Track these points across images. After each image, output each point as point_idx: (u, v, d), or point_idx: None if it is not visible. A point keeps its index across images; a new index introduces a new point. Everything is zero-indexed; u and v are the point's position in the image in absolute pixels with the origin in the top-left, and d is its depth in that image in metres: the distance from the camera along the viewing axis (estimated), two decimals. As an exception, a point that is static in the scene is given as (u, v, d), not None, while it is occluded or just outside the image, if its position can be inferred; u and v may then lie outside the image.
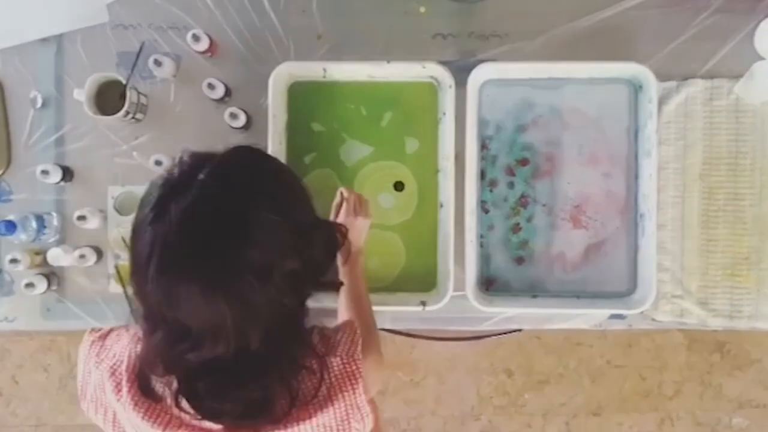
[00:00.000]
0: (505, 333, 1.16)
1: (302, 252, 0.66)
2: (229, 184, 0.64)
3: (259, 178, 0.67)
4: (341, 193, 0.99)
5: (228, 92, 1.09)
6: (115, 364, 0.72)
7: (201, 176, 0.63)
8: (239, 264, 0.60)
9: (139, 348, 0.70)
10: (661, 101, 1.08)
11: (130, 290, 1.09)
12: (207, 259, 0.60)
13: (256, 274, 0.61)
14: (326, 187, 1.09)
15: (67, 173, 1.10)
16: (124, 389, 0.69)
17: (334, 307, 1.05)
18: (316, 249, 0.70)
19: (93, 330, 0.79)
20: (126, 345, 0.73)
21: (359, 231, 0.97)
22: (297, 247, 0.65)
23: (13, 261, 1.05)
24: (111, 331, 0.78)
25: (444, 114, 1.06)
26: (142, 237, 0.62)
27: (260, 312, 0.62)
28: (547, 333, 1.88)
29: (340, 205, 0.99)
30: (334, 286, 0.88)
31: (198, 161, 0.65)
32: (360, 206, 0.98)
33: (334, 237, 0.76)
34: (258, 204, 0.63)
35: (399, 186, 1.10)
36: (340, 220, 0.97)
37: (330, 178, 1.09)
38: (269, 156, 0.76)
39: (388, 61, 1.05)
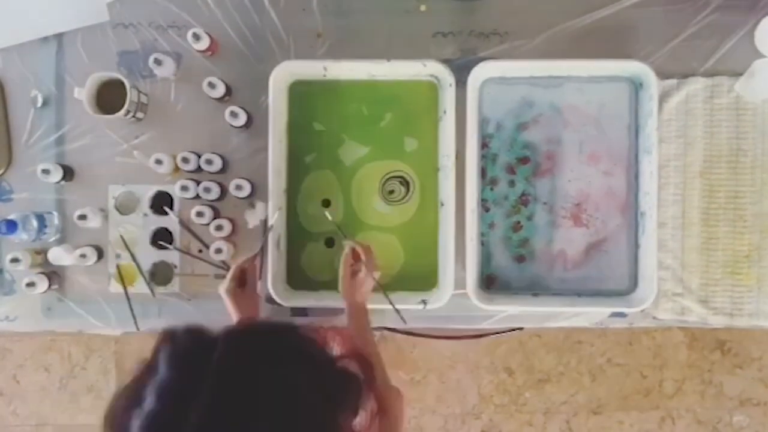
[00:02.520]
0: (505, 331, 1.16)
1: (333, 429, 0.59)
2: (234, 399, 0.52)
3: (264, 381, 0.55)
4: (351, 248, 0.99)
5: (228, 91, 1.09)
6: None
7: (194, 417, 0.51)
8: None
9: None
10: (662, 99, 1.08)
11: (130, 290, 1.10)
12: None
13: None
14: (325, 188, 1.09)
15: (68, 172, 1.10)
16: None
17: (335, 306, 1.06)
18: (342, 416, 0.62)
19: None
20: None
21: (370, 286, 0.99)
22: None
23: (14, 260, 1.05)
24: None
25: (444, 112, 1.06)
26: None
27: None
28: (548, 331, 1.88)
29: (350, 258, 0.99)
30: None
31: (188, 364, 0.55)
32: (372, 262, 0.98)
33: (360, 390, 0.68)
34: (270, 414, 0.54)
35: (398, 191, 1.10)
36: (359, 280, 0.97)
37: (329, 178, 1.09)
38: (271, 342, 0.61)
39: (389, 60, 1.05)
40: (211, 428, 0.51)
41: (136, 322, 1.10)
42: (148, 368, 0.56)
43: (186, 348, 0.57)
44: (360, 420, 0.73)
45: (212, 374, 0.53)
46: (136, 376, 0.56)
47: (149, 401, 0.53)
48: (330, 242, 1.09)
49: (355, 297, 0.99)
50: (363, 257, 0.98)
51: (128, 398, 0.55)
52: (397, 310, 1.01)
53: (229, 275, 0.97)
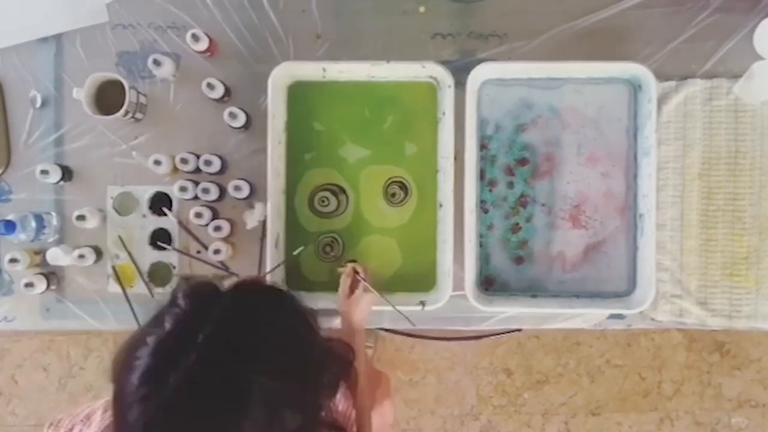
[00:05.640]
0: (504, 333, 1.16)
1: (306, 403, 0.63)
2: (230, 346, 0.59)
3: (263, 335, 0.62)
4: (353, 269, 0.98)
5: (227, 92, 1.09)
6: None
7: (200, 337, 0.58)
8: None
9: None
10: (661, 101, 1.08)
11: (129, 290, 1.10)
12: (205, 429, 0.57)
13: None
14: (326, 185, 1.09)
15: (67, 173, 1.10)
16: None
17: (330, 308, 1.06)
18: (323, 391, 0.67)
19: (51, 425, 0.77)
20: None
21: (367, 305, 0.96)
22: (300, 402, 0.62)
23: (13, 261, 1.05)
24: (72, 428, 0.75)
25: (443, 114, 1.06)
26: (133, 407, 0.56)
27: None
28: (547, 332, 1.88)
29: (349, 277, 0.97)
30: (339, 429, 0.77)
31: (194, 314, 0.60)
32: (369, 279, 0.97)
33: (342, 369, 0.73)
34: (260, 369, 0.58)
35: (398, 195, 1.09)
36: (355, 297, 0.96)
37: (331, 175, 1.09)
38: (272, 296, 0.69)
39: (388, 61, 1.05)
40: (213, 352, 0.58)
41: (138, 321, 1.09)
42: (168, 303, 0.63)
43: (200, 289, 0.64)
44: (339, 397, 0.77)
45: (221, 310, 0.61)
46: (156, 312, 0.63)
47: (166, 326, 0.60)
48: (328, 247, 1.09)
49: (353, 315, 0.96)
50: (362, 274, 0.97)
51: (148, 325, 0.62)
52: (404, 314, 0.99)
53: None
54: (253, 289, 0.69)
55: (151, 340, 0.59)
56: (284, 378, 0.60)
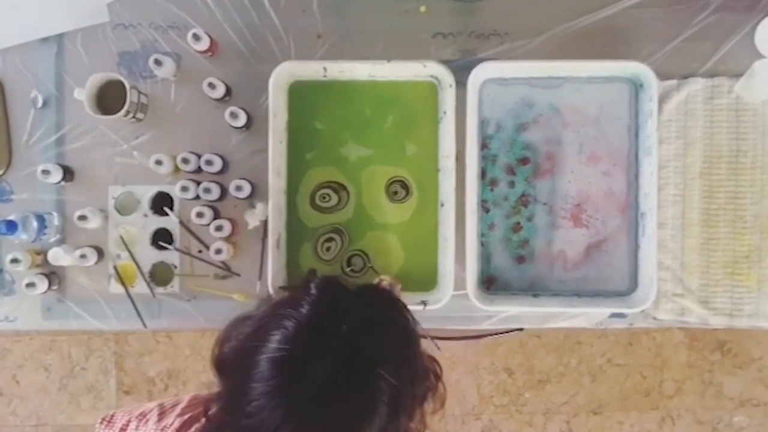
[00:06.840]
0: (505, 332, 1.16)
1: (413, 410, 0.65)
2: (372, 343, 0.61)
3: (393, 336, 0.64)
4: (383, 281, 0.98)
5: (228, 92, 1.09)
6: None
7: (345, 329, 0.59)
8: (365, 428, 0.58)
9: None
10: (662, 100, 1.08)
11: (131, 290, 1.10)
12: (340, 423, 0.58)
13: None
14: (327, 182, 1.09)
15: (68, 173, 1.10)
16: None
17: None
18: (419, 401, 0.68)
19: (104, 421, 0.76)
20: None
21: None
22: (409, 409, 0.64)
23: (14, 261, 1.05)
24: (128, 423, 0.75)
25: (444, 113, 1.06)
26: (265, 396, 0.55)
27: None
28: (548, 332, 1.88)
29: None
30: None
31: (334, 305, 0.62)
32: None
33: (433, 382, 0.73)
34: (389, 369, 0.60)
35: (400, 193, 1.09)
36: None
37: (332, 174, 1.09)
38: (396, 302, 0.70)
39: (389, 61, 1.05)
40: (359, 347, 0.59)
41: (142, 320, 1.09)
42: (299, 292, 0.63)
43: (336, 283, 0.66)
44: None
45: (360, 306, 0.63)
46: (276, 304, 0.63)
47: (302, 312, 0.60)
48: (327, 244, 1.09)
49: None
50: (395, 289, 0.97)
51: (264, 314, 0.62)
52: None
53: None
54: (380, 291, 0.72)
55: (283, 328, 0.58)
56: (403, 381, 0.61)
